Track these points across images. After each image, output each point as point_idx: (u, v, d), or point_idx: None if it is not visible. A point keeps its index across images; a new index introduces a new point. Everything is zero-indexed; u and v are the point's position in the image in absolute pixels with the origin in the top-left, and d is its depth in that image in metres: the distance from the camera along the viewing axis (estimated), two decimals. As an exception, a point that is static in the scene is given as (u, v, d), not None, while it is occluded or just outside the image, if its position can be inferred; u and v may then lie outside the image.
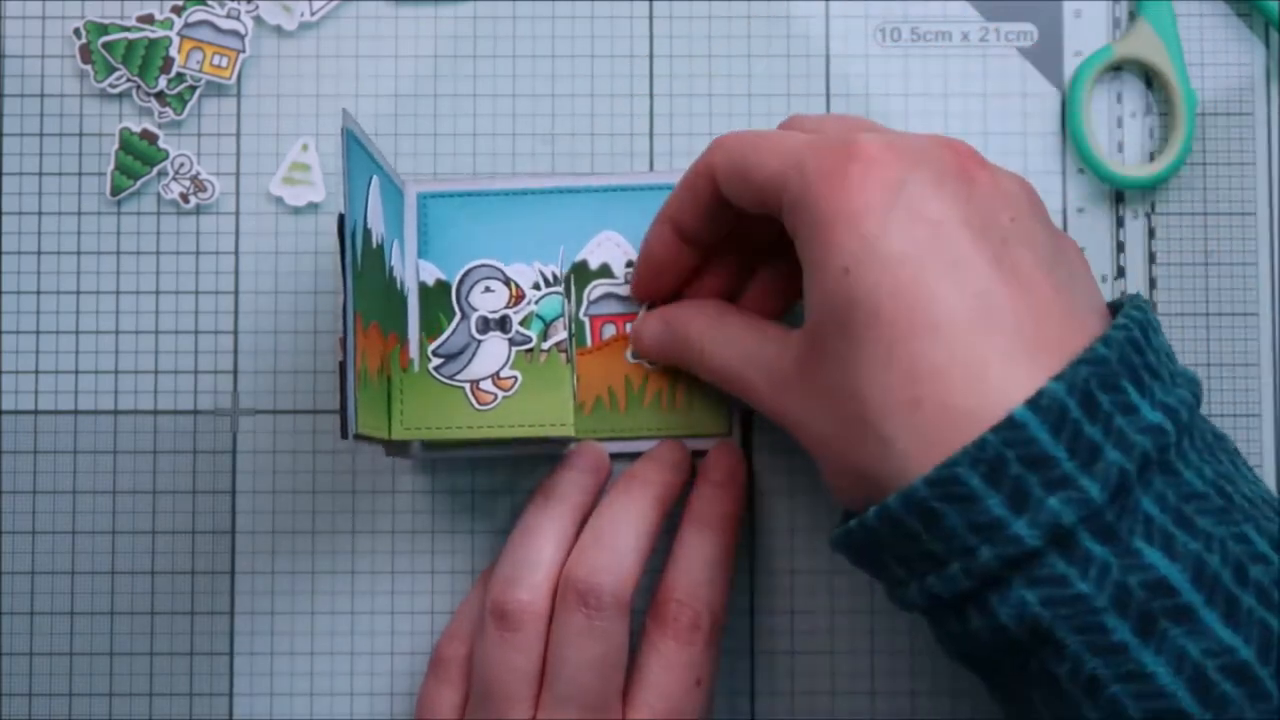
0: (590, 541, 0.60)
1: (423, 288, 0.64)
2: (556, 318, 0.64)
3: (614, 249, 0.65)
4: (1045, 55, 0.67)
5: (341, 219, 0.53)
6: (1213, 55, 0.67)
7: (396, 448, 0.61)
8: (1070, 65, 0.67)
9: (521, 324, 0.63)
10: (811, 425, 0.54)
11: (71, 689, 0.65)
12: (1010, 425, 0.48)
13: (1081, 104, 0.66)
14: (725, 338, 0.60)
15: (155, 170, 0.65)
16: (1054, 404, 0.48)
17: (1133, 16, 0.67)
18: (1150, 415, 0.49)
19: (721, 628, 0.61)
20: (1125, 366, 0.50)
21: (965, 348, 0.50)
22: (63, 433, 0.65)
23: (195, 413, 0.66)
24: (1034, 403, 0.48)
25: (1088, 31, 0.67)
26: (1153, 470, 0.49)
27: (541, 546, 0.60)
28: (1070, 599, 0.48)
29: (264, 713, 0.65)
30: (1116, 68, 0.67)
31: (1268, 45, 0.67)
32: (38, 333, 0.65)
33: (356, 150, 0.55)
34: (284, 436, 0.65)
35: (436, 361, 0.63)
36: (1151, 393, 0.50)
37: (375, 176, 0.59)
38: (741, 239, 0.62)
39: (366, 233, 0.56)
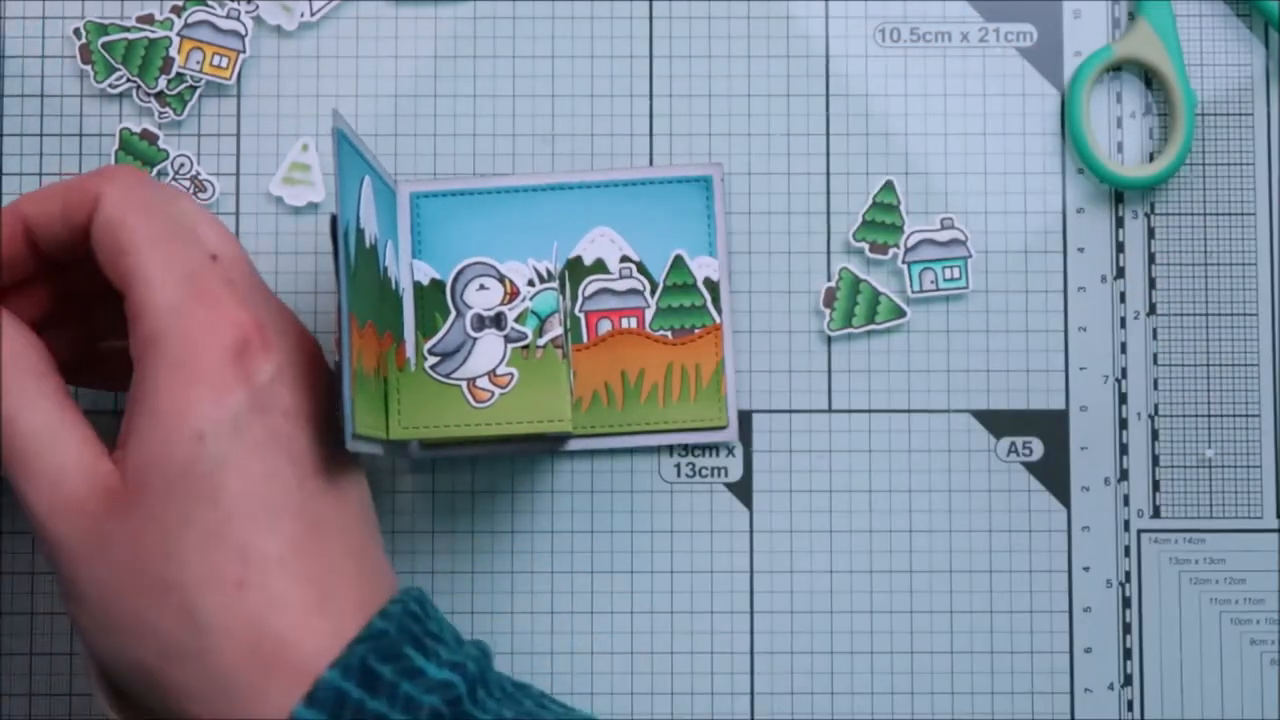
0: None
1: (418, 287, 0.64)
2: (551, 313, 0.64)
3: (608, 244, 0.65)
4: (1045, 55, 0.67)
5: (334, 219, 0.53)
6: (1212, 55, 0.67)
7: (395, 448, 0.61)
8: (1070, 65, 0.67)
9: (517, 320, 0.64)
10: (97, 572, 0.50)
11: (71, 689, 0.65)
12: None
13: (1081, 104, 0.66)
14: (36, 400, 0.52)
15: (155, 170, 0.65)
16: (329, 693, 0.48)
17: (1132, 16, 0.67)
18: (437, 673, 0.50)
19: None
20: (405, 635, 0.51)
21: (286, 577, 0.50)
22: (63, 432, 0.65)
23: (195, 413, 0.65)
24: (310, 698, 0.48)
25: (1087, 31, 0.67)
26: None
27: None
28: None
29: (264, 713, 0.65)
30: (1116, 68, 0.67)
31: (1267, 45, 0.67)
32: (38, 333, 0.65)
33: (348, 150, 0.55)
34: (284, 436, 0.65)
35: (433, 360, 0.63)
36: (437, 655, 0.51)
37: (367, 176, 0.59)
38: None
39: (360, 233, 0.56)
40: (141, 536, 0.49)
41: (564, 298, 0.64)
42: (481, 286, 0.64)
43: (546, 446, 0.65)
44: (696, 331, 0.65)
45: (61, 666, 0.65)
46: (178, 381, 0.50)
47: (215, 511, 0.49)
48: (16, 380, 0.51)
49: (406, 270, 0.64)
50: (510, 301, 0.64)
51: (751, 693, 0.65)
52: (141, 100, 0.66)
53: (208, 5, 0.66)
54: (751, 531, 0.65)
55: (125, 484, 0.50)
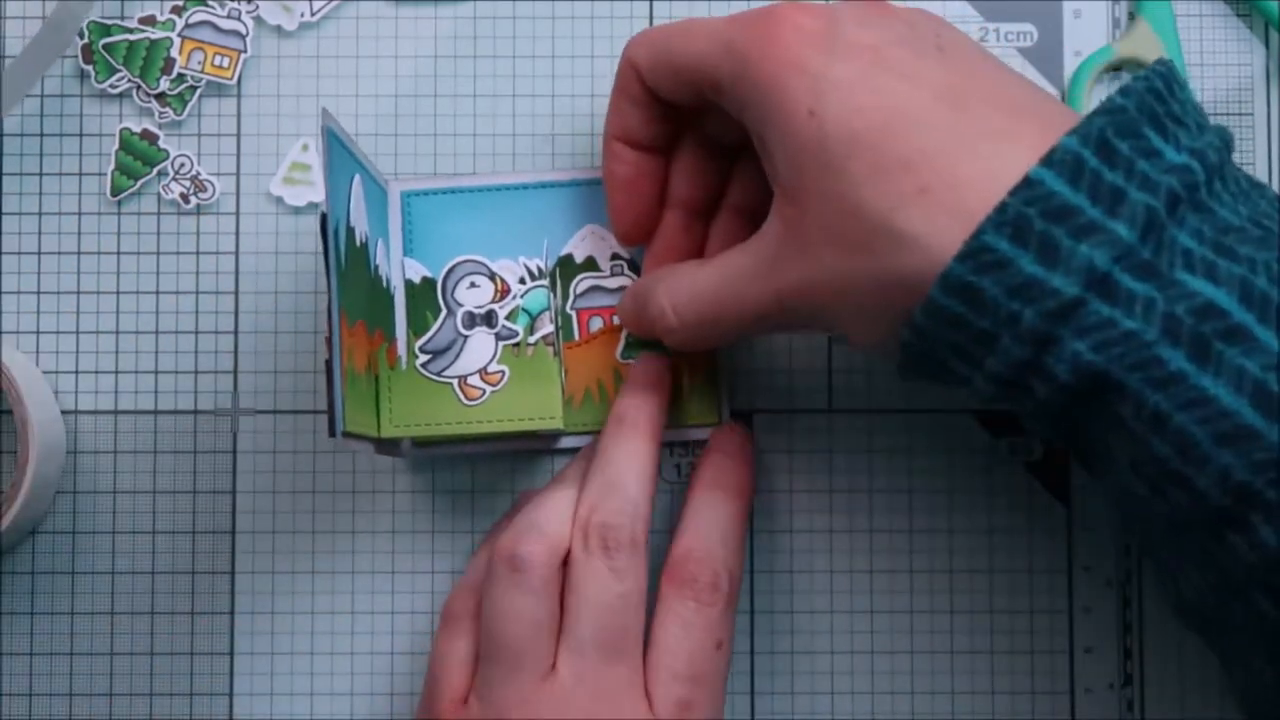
0: (598, 488, 0.58)
1: (409, 285, 0.64)
2: (542, 311, 0.64)
3: (599, 242, 0.65)
4: (1045, 55, 0.67)
5: (323, 218, 0.53)
6: (1213, 55, 0.67)
7: (386, 446, 0.62)
8: (1070, 65, 0.67)
9: (508, 318, 0.64)
10: (821, 276, 0.53)
11: (71, 689, 0.65)
12: (1027, 184, 0.48)
13: (1081, 104, 0.65)
14: (689, 285, 0.59)
15: (155, 170, 0.66)
16: (1069, 156, 0.48)
17: (1132, 16, 0.67)
18: (1175, 157, 0.49)
19: (738, 590, 0.60)
20: (1145, 114, 0.50)
21: (950, 128, 0.50)
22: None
23: (195, 413, 0.66)
24: (1047, 159, 0.48)
25: (1087, 31, 0.67)
26: (1184, 208, 0.49)
27: (553, 503, 0.59)
28: (1121, 338, 0.48)
29: (264, 713, 0.65)
30: (1116, 68, 0.66)
31: (1267, 45, 0.67)
32: (38, 333, 0.65)
33: (338, 149, 0.55)
34: (284, 436, 0.66)
35: (424, 358, 0.63)
36: (1176, 138, 0.50)
37: (357, 175, 0.59)
38: (707, 144, 0.62)
39: (350, 231, 0.56)
40: (822, 216, 0.53)
41: (555, 295, 0.64)
42: (472, 284, 0.64)
43: (538, 444, 0.65)
44: (690, 328, 0.65)
45: (61, 666, 0.65)
46: (769, 89, 0.54)
47: (860, 150, 0.51)
48: (667, 290, 0.60)
49: (398, 268, 0.64)
50: (501, 299, 0.64)
51: (752, 692, 0.65)
52: (142, 100, 0.66)
53: (208, 5, 0.66)
54: (752, 531, 0.65)
55: (787, 200, 0.54)
